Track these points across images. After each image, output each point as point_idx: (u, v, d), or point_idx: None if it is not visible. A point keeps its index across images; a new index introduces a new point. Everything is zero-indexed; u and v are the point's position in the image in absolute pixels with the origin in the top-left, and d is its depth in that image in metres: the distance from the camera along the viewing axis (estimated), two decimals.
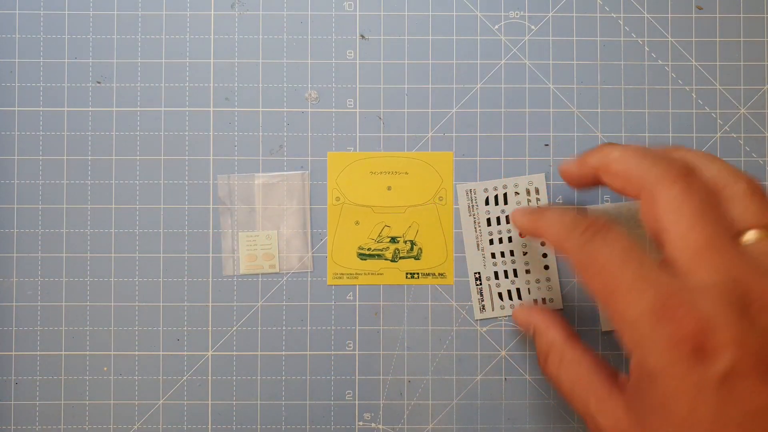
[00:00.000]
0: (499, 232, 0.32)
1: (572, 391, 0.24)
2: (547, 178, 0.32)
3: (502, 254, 0.32)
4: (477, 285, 0.32)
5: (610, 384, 0.23)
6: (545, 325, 0.27)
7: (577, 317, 0.32)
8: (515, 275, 0.32)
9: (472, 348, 0.32)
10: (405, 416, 0.32)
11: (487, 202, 0.32)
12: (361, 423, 0.32)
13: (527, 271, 0.32)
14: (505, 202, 0.32)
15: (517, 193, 0.31)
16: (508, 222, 0.31)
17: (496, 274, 0.32)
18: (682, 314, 0.19)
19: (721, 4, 0.33)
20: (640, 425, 0.21)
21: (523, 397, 0.32)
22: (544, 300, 0.32)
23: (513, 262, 0.32)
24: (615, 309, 0.21)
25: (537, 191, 0.32)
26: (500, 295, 0.32)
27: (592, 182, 0.25)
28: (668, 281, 0.20)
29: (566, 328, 0.27)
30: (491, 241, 0.32)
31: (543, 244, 0.32)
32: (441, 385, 0.32)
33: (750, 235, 0.22)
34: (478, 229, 0.32)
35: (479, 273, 0.32)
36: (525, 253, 0.32)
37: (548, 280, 0.32)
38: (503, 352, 0.32)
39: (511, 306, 0.32)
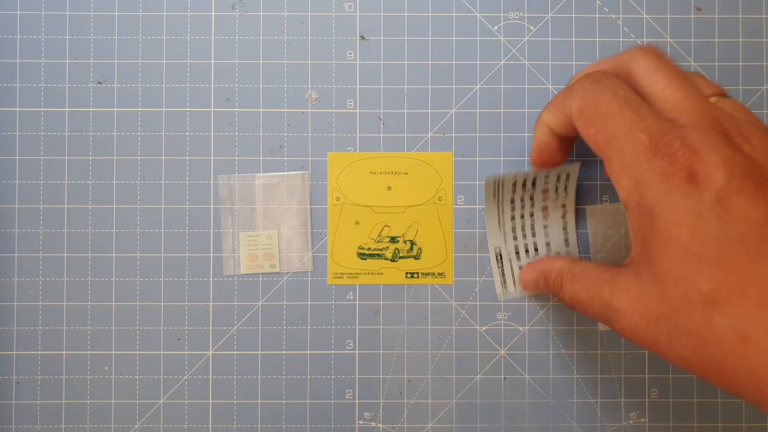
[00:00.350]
0: (522, 208, 0.31)
1: (588, 295, 0.25)
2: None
3: (523, 229, 0.31)
4: (498, 262, 0.32)
5: (617, 270, 0.24)
6: (551, 263, 0.28)
7: (576, 316, 0.32)
8: (536, 251, 0.32)
9: (472, 347, 0.32)
10: (405, 415, 0.32)
11: (514, 185, 0.30)
12: (361, 422, 0.32)
13: (548, 244, 0.32)
14: (533, 186, 0.30)
15: (546, 176, 0.30)
16: (532, 200, 0.31)
17: (516, 249, 0.32)
18: (675, 148, 0.21)
19: (720, 4, 0.33)
20: (649, 279, 0.21)
21: (523, 396, 0.32)
22: None
23: (534, 235, 0.31)
24: (614, 154, 0.22)
25: (567, 176, 0.31)
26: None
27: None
28: (661, 123, 0.22)
29: (570, 258, 0.29)
30: (512, 217, 0.31)
31: (564, 217, 0.32)
32: (441, 385, 0.32)
33: (713, 99, 0.25)
34: (500, 206, 0.31)
35: (500, 249, 0.32)
36: (546, 226, 0.32)
37: (568, 254, 0.32)
38: (503, 352, 0.32)
39: None
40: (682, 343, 0.21)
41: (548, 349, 0.32)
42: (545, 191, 0.31)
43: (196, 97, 0.32)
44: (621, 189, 0.22)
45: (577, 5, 0.33)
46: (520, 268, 0.32)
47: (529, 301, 0.32)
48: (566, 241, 0.32)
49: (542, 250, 0.32)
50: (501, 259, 0.32)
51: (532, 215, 0.31)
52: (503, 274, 0.32)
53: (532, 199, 0.31)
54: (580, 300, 0.25)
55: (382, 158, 0.33)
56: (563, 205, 0.31)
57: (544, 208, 0.31)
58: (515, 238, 0.31)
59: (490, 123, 0.33)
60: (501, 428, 0.32)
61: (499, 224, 0.31)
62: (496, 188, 0.30)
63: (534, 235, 0.31)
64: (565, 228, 0.32)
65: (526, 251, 0.32)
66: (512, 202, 0.31)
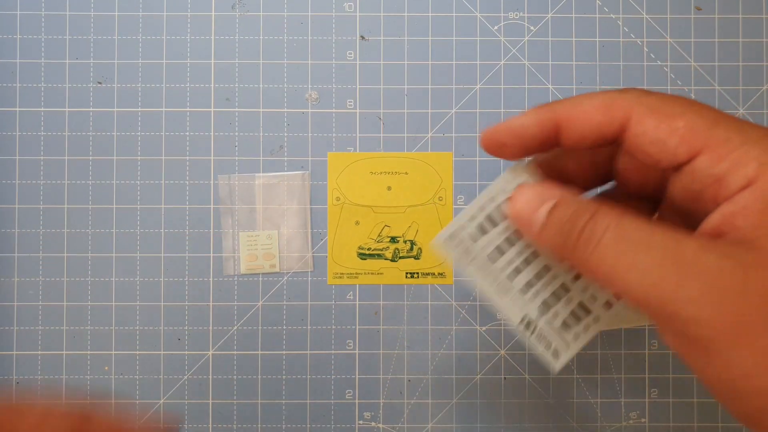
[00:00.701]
0: (513, 259, 0.22)
1: (651, 238, 0.17)
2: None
3: (538, 277, 0.22)
4: (532, 332, 0.22)
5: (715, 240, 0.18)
6: (576, 194, 0.20)
7: None
8: (565, 290, 0.22)
9: (472, 347, 0.32)
10: (405, 415, 0.32)
11: (476, 238, 0.22)
12: (361, 422, 0.32)
13: (575, 278, 0.22)
14: (495, 224, 0.22)
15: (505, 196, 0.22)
16: (517, 239, 0.22)
17: (545, 304, 0.22)
18: None
19: (720, 4, 0.33)
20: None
21: (522, 396, 0.32)
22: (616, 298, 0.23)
23: (554, 277, 0.22)
24: (731, 132, 0.18)
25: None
26: (565, 324, 0.22)
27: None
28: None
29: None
30: (517, 270, 0.22)
31: None
32: (440, 384, 0.32)
33: None
34: (488, 270, 0.22)
35: (526, 317, 0.22)
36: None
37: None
38: (502, 352, 0.32)
39: (586, 326, 0.23)
40: None
41: None
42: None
43: (196, 97, 0.32)
44: (747, 164, 0.18)
45: (577, 5, 0.33)
46: (564, 322, 0.23)
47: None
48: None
49: (573, 286, 0.23)
50: (533, 326, 0.23)
51: (534, 254, 0.22)
52: (548, 341, 0.23)
53: (520, 235, 0.22)
54: (625, 261, 0.17)
55: (382, 158, 0.33)
56: None
57: None
58: (535, 293, 0.22)
59: (490, 123, 0.32)
60: (501, 428, 0.32)
61: (506, 290, 0.22)
62: (461, 248, 0.22)
63: (554, 276, 0.23)
64: None
65: (557, 297, 0.23)
66: (500, 251, 0.22)
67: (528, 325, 0.23)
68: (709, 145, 0.18)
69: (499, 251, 0.22)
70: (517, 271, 0.22)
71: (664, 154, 0.19)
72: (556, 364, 0.23)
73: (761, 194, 0.17)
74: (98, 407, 0.19)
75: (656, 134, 0.19)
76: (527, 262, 0.22)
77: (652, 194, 0.21)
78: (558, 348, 0.23)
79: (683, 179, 0.19)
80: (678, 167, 0.19)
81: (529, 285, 0.22)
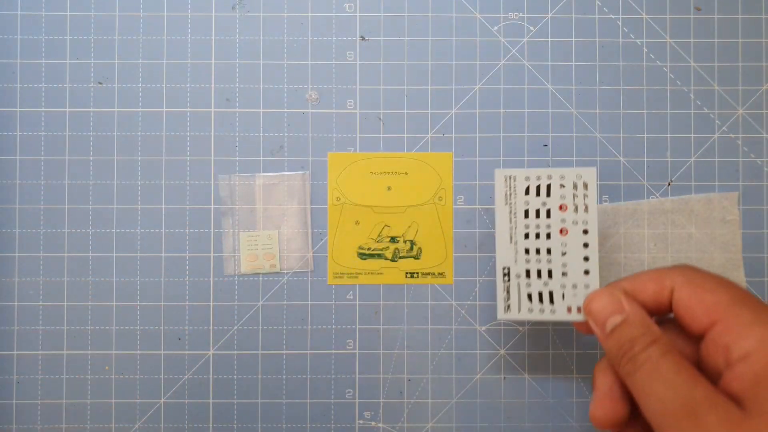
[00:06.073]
0: (537, 226, 0.28)
1: (672, 392, 0.22)
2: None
3: (538, 251, 0.28)
4: (505, 281, 0.28)
5: (739, 407, 0.22)
6: (642, 313, 0.24)
7: None
8: (549, 276, 0.28)
9: (472, 347, 0.32)
10: (405, 415, 0.32)
11: (527, 192, 0.28)
12: (361, 421, 0.32)
13: (564, 274, 0.27)
14: (548, 194, 0.28)
15: (562, 186, 0.28)
16: (549, 216, 0.28)
17: (528, 272, 0.28)
18: None
19: (720, 4, 0.33)
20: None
21: (522, 395, 0.32)
22: (579, 309, 0.27)
23: (549, 261, 0.28)
24: (744, 310, 0.22)
25: (585, 186, 0.28)
26: (530, 296, 0.28)
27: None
28: None
29: (674, 324, 0.25)
30: (527, 235, 0.28)
31: (586, 245, 0.27)
32: (440, 384, 0.32)
33: None
34: (513, 219, 0.28)
35: (508, 269, 0.28)
36: (564, 254, 0.28)
37: (587, 286, 0.27)
38: (502, 351, 0.32)
39: (541, 310, 0.28)
40: None
41: (548, 349, 0.32)
42: (562, 207, 0.28)
43: (196, 97, 0.33)
44: (748, 339, 0.22)
45: (577, 6, 0.33)
46: (529, 295, 0.28)
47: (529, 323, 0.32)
48: (586, 272, 0.27)
49: (557, 276, 0.28)
50: (508, 278, 0.28)
51: (549, 236, 0.28)
52: (508, 295, 0.28)
53: (549, 214, 0.28)
54: (652, 389, 0.22)
55: (382, 158, 0.33)
56: (585, 231, 0.28)
57: (562, 231, 0.28)
58: (528, 260, 0.28)
59: (489, 123, 0.33)
60: (501, 428, 0.32)
61: (511, 240, 0.28)
62: (509, 189, 0.28)
63: (550, 261, 0.28)
64: (587, 258, 0.27)
65: (539, 275, 0.28)
66: (526, 216, 0.28)
67: (506, 275, 0.28)
68: (724, 319, 0.22)
69: (528, 216, 0.28)
70: (528, 237, 0.28)
71: (692, 319, 0.23)
72: (501, 315, 0.28)
73: (752, 367, 0.21)
74: None
75: (688, 302, 0.23)
76: (539, 237, 0.28)
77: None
78: (512, 306, 0.28)
79: (707, 340, 0.23)
80: (702, 332, 0.23)
81: (528, 253, 0.28)
